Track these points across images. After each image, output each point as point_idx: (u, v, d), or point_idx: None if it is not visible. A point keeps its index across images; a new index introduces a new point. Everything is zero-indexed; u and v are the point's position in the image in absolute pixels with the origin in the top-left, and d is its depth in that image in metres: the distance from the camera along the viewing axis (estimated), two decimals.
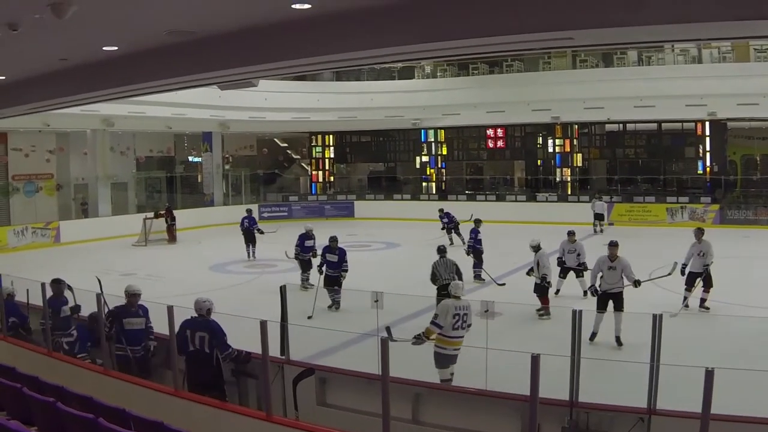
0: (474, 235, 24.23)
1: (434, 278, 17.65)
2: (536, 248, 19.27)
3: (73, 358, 12.46)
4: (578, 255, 20.99)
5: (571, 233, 21.41)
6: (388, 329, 12.81)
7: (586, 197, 40.44)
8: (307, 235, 23.01)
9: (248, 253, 29.74)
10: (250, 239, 29.92)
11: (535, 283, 19.14)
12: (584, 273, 20.79)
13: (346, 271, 20.53)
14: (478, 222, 24.81)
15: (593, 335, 15.88)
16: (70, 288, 13.94)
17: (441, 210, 33.91)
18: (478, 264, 23.92)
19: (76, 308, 13.57)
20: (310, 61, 11.61)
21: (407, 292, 14.70)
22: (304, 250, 22.90)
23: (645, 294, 18.18)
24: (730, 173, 41.95)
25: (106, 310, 12.64)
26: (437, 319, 12.63)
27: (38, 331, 14.23)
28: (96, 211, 39.91)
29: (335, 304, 19.71)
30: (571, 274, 21.23)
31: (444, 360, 12.67)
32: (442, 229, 32.93)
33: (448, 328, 12.58)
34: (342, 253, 20.61)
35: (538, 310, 18.74)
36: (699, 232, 19.64)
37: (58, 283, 13.92)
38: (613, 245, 17.16)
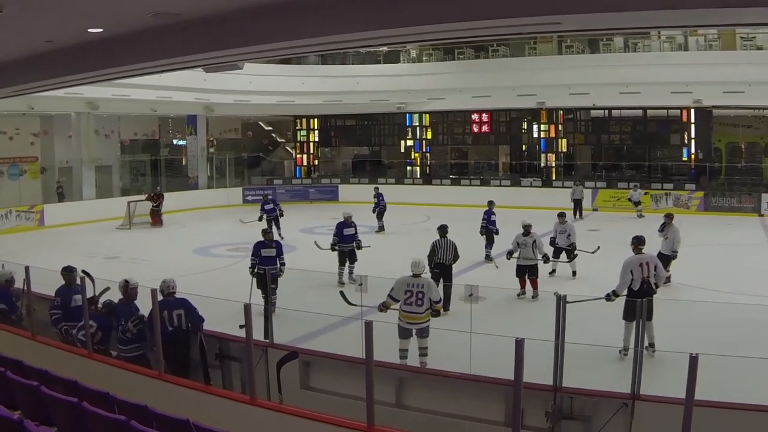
0: (487, 216, 24.44)
1: (431, 256, 17.96)
2: (527, 230, 19.29)
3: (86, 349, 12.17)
4: (568, 236, 21.48)
5: (561, 215, 21.92)
6: (342, 294, 13.79)
7: (571, 183, 40.48)
8: (346, 223, 21.59)
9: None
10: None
11: (518, 266, 19.24)
12: (575, 254, 21.50)
13: (284, 265, 18.50)
14: (491, 204, 24.92)
15: (625, 350, 13.52)
16: (90, 277, 13.63)
17: (376, 188, 34.12)
18: (489, 245, 24.19)
19: (93, 300, 12.89)
20: (296, 44, 11.57)
21: (391, 276, 14.69)
22: (343, 240, 21.36)
23: None
24: (714, 160, 42.05)
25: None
26: (392, 292, 13.54)
27: (45, 323, 14.04)
28: (80, 194, 39.73)
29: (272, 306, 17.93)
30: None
31: (400, 332, 13.44)
32: (374, 211, 32.91)
33: (402, 302, 13.43)
34: (279, 246, 18.91)
35: (519, 294, 18.91)
36: (668, 218, 20.29)
37: (69, 272, 13.51)
38: (640, 242, 15.00)
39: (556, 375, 9.50)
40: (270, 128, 56.65)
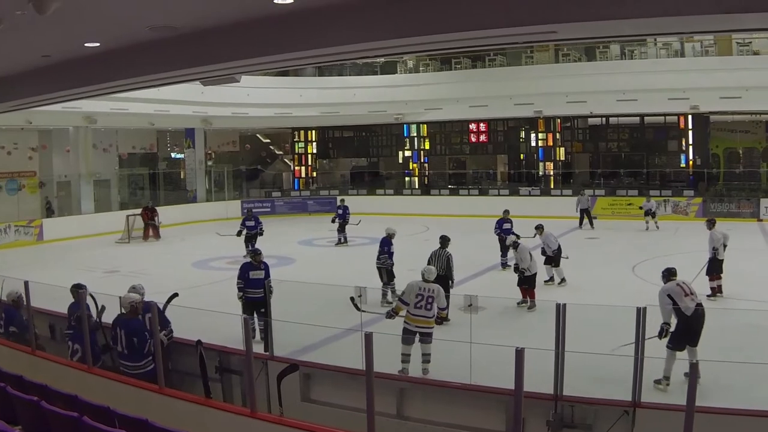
0: (499, 225, 24.90)
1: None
2: (514, 245, 19.40)
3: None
4: (548, 246, 21.63)
5: (537, 227, 22.29)
6: (352, 300, 13.64)
7: (569, 191, 40.58)
8: (390, 240, 20.78)
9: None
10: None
11: (519, 276, 19.28)
12: (560, 260, 21.69)
13: (272, 287, 15.09)
14: (505, 212, 25.30)
15: (665, 380, 12.13)
16: (94, 300, 13.48)
17: (342, 200, 33.45)
18: (503, 253, 24.51)
19: (97, 324, 12.57)
20: (293, 57, 11.60)
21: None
22: (390, 257, 20.42)
23: (629, 286, 18.26)
24: (712, 166, 42.18)
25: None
26: (403, 296, 13.82)
27: (45, 338, 13.92)
28: (79, 208, 39.71)
29: (261, 334, 14.85)
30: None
31: (406, 335, 13.54)
32: (333, 221, 32.35)
33: (411, 306, 13.59)
34: (267, 268, 17.18)
35: (519, 303, 18.91)
36: (708, 223, 20.64)
37: (78, 289, 13.41)
38: (672, 274, 13.60)
39: (557, 384, 9.49)
40: (268, 141, 56.75)
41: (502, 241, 24.15)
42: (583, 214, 36.21)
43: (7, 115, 23.54)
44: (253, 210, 30.19)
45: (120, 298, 12.45)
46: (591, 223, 35.87)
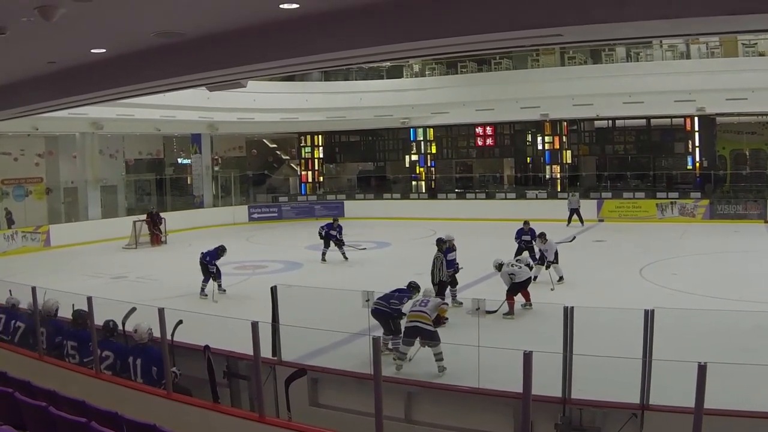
0: (519, 235, 24.68)
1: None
2: (498, 267, 19.19)
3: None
4: (545, 253, 21.89)
5: (539, 235, 22.52)
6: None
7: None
8: (451, 248, 19.55)
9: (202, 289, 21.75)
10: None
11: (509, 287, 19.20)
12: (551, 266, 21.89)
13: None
14: (525, 224, 24.88)
15: None
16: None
17: (335, 219, 29.76)
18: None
19: (109, 324, 12.32)
20: (299, 61, 11.58)
21: None
22: (448, 266, 19.10)
23: (636, 288, 18.21)
24: (719, 168, 42.02)
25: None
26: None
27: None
28: (86, 214, 39.77)
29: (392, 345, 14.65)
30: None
31: (405, 335, 14.14)
32: (322, 238, 28.60)
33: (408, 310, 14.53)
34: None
35: (505, 314, 18.18)
36: None
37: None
38: None
39: (565, 387, 9.47)
40: (274, 146, 56.72)
41: (519, 250, 23.99)
42: (572, 213, 37.24)
43: (14, 121, 23.58)
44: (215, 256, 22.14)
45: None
46: (581, 220, 37.17)
